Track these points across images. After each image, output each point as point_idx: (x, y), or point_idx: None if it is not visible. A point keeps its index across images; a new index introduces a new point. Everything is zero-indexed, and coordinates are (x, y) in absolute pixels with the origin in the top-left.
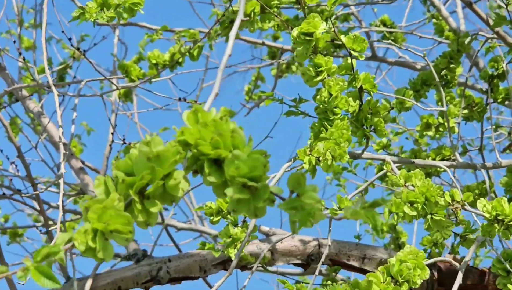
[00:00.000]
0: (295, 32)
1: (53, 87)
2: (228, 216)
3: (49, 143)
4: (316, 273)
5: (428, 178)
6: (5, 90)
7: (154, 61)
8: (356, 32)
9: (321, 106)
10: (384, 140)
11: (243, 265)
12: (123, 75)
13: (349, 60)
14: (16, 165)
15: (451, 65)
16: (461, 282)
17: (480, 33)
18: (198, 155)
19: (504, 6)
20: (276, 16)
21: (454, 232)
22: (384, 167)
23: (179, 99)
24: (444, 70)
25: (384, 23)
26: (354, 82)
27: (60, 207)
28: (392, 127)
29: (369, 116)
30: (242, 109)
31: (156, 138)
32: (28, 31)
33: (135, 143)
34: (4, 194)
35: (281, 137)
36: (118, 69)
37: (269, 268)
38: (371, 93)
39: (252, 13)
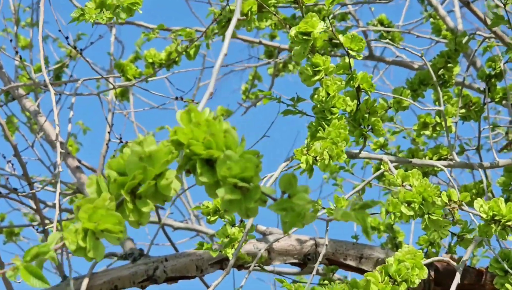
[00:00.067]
0: (292, 31)
1: (50, 86)
2: (225, 215)
3: (45, 142)
4: (314, 272)
5: (425, 178)
6: (2, 89)
7: (150, 60)
8: (354, 31)
9: (318, 105)
10: (382, 139)
11: (240, 265)
12: (120, 74)
13: (346, 60)
14: (12, 164)
15: (449, 65)
16: (459, 282)
17: (477, 32)
18: (191, 155)
19: (502, 6)
20: (274, 15)
21: (451, 232)
22: (382, 166)
23: (176, 98)
24: (442, 70)
25: (381, 23)
26: (351, 82)
27: (57, 206)
28: (389, 127)
29: (367, 115)
30: (239, 108)
31: (148, 137)
32: (25, 30)
33: (132, 142)
34: (0, 193)
35: (278, 136)
36: (114, 68)
37: (266, 267)
38: (369, 92)
39: (249, 12)
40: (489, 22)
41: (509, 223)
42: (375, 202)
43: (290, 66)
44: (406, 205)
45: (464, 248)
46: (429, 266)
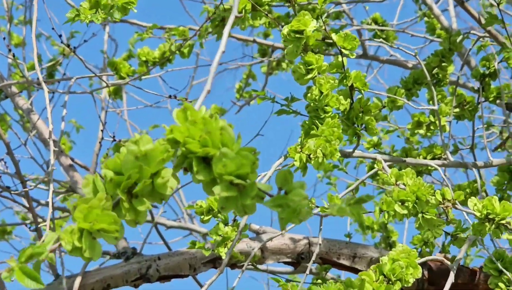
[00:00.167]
0: (285, 29)
1: (43, 84)
2: (219, 215)
3: (38, 140)
4: (307, 272)
5: (419, 177)
6: None
7: (144, 58)
8: (348, 30)
9: (312, 104)
10: (375, 138)
11: (233, 263)
12: (113, 72)
13: (340, 58)
14: (5, 162)
15: (443, 64)
16: (453, 281)
17: (471, 31)
18: (187, 153)
19: (496, 5)
20: (267, 14)
21: (445, 231)
22: (375, 165)
23: (169, 96)
24: (436, 69)
25: (375, 21)
26: (345, 80)
27: (50, 204)
28: (383, 126)
29: (360, 114)
30: (233, 107)
31: (144, 136)
32: (18, 28)
33: (125, 141)
34: None
35: (272, 135)
36: (108, 66)
37: (259, 266)
38: (362, 91)
39: (243, 10)
40: (483, 21)
41: (503, 222)
42: (370, 196)
43: (284, 65)
44: (400, 203)
45: (458, 247)
46: (423, 265)
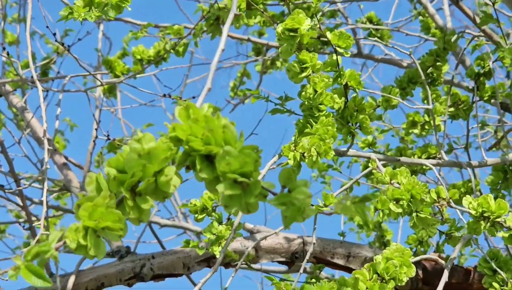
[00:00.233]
0: (279, 28)
1: (37, 82)
2: (213, 213)
3: (32, 138)
4: (301, 271)
5: (413, 176)
6: None
7: (138, 57)
8: (343, 29)
9: (306, 102)
10: (370, 137)
11: (227, 262)
12: (108, 71)
13: (334, 57)
14: None
15: (437, 63)
16: (446, 280)
17: (466, 31)
18: (190, 151)
19: (491, 4)
20: (262, 12)
21: (439, 230)
22: (370, 164)
23: (164, 95)
24: (430, 68)
25: (370, 20)
26: (339, 79)
27: (44, 203)
28: (378, 125)
29: (355, 113)
30: (227, 106)
31: (147, 134)
32: (12, 26)
33: (119, 139)
34: None
35: (266, 134)
36: (102, 65)
37: (253, 265)
38: (357, 90)
39: (238, 9)
40: (478, 20)
41: (498, 220)
42: (374, 195)
43: (278, 63)
44: (394, 202)
45: (452, 246)
46: (417, 265)
